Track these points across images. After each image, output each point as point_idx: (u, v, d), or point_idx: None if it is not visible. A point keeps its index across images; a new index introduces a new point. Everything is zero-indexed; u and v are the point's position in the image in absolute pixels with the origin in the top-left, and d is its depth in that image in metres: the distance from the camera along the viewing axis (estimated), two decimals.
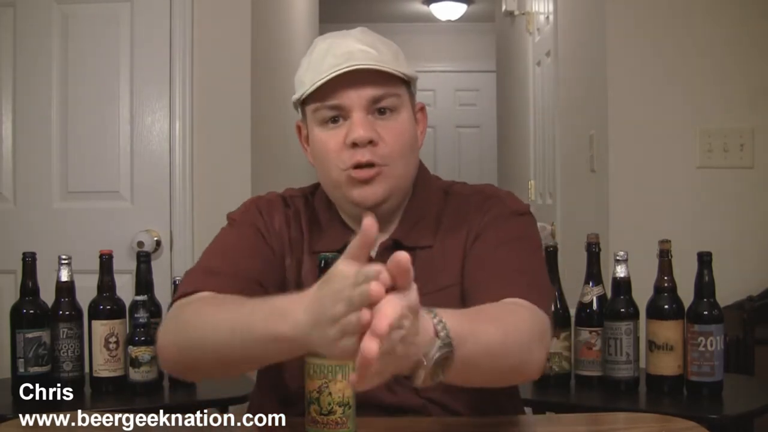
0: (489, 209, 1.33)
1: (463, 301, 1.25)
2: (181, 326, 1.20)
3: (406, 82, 1.31)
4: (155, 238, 2.66)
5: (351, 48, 1.26)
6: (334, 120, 1.28)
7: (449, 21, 6.89)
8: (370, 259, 1.24)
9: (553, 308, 1.83)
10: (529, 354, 1.11)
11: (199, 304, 1.20)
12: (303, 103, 1.32)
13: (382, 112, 1.27)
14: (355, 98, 1.25)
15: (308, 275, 1.32)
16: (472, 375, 1.05)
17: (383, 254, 1.31)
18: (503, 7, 4.74)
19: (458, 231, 1.33)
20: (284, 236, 1.35)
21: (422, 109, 1.37)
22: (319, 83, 1.25)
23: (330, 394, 1.08)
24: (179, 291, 1.28)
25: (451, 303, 1.10)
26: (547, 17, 3.88)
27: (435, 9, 6.76)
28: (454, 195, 1.38)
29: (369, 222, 0.88)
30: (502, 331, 1.07)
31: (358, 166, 1.26)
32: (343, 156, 1.27)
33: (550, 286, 1.35)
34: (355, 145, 1.25)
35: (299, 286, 1.32)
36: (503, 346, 1.07)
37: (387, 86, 1.27)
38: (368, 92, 1.26)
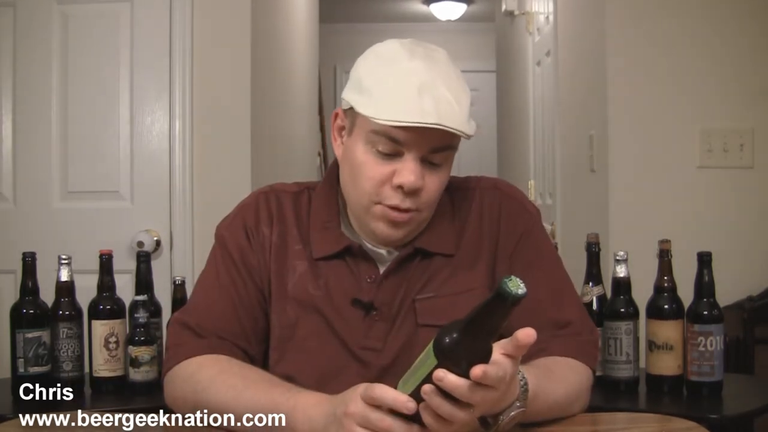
0: (515, 221, 1.36)
1: None
2: (199, 390, 1.23)
3: None
4: (155, 238, 2.66)
5: (439, 95, 1.20)
6: (388, 153, 1.24)
7: (449, 21, 6.90)
8: (392, 265, 1.31)
9: None
10: (575, 407, 1.26)
11: (213, 373, 1.24)
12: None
13: (433, 163, 1.25)
14: (416, 146, 1.22)
15: (301, 281, 1.32)
16: (529, 419, 1.15)
17: (405, 263, 1.32)
18: (503, 7, 4.74)
19: (482, 236, 1.35)
20: (269, 242, 1.35)
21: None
22: (400, 124, 1.19)
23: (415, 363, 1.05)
24: (177, 350, 1.31)
25: (472, 304, 1.20)
26: (547, 17, 3.88)
27: (435, 9, 6.76)
28: (457, 189, 1.38)
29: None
30: (564, 390, 1.22)
31: (396, 208, 1.25)
32: (383, 191, 1.25)
33: (593, 329, 1.37)
34: (400, 188, 1.23)
35: (283, 291, 1.33)
36: (562, 403, 1.22)
37: (450, 143, 1.25)
38: (432, 143, 1.22)
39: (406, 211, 1.25)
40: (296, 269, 1.33)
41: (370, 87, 1.23)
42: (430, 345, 0.98)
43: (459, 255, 1.33)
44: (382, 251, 1.33)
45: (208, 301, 1.35)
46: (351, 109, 1.27)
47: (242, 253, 1.35)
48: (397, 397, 1.00)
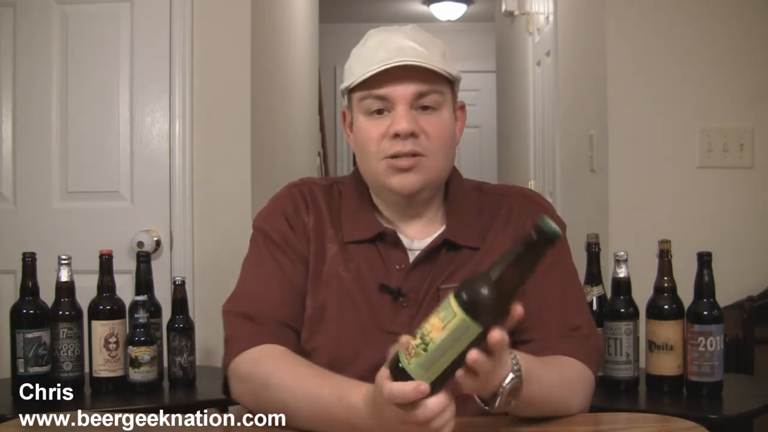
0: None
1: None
2: (258, 389, 1.25)
3: (451, 82, 1.36)
4: (155, 238, 2.66)
5: (402, 44, 1.31)
6: (379, 111, 1.33)
7: (449, 21, 6.90)
8: (421, 255, 1.34)
9: None
10: (573, 403, 1.27)
11: (272, 366, 1.27)
12: (350, 91, 1.36)
13: (425, 108, 1.32)
14: (401, 92, 1.31)
15: (332, 263, 1.36)
16: (528, 410, 1.18)
17: (433, 254, 1.36)
18: (503, 7, 4.74)
19: (505, 232, 1.38)
20: (308, 228, 1.39)
21: (462, 107, 1.42)
22: (369, 74, 1.30)
23: (425, 322, 1.00)
24: (234, 342, 1.33)
25: None
26: (547, 17, 3.88)
27: (435, 9, 6.76)
28: (489, 194, 1.44)
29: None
30: (558, 377, 1.23)
31: (398, 155, 1.31)
32: (384, 145, 1.32)
33: (598, 337, 1.40)
34: (397, 136, 1.31)
35: (319, 273, 1.37)
36: (558, 393, 1.23)
37: (432, 84, 1.32)
38: (414, 88, 1.31)
39: (409, 155, 1.31)
40: (329, 252, 1.38)
41: (350, 66, 1.36)
42: (463, 317, 0.96)
43: (485, 249, 1.37)
44: (413, 240, 1.38)
45: (257, 287, 1.38)
46: (346, 98, 1.39)
47: (285, 238, 1.39)
48: (410, 390, 1.00)
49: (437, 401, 1.01)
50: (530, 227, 0.96)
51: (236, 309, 1.36)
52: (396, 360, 1.02)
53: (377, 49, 1.32)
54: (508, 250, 0.98)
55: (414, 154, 1.31)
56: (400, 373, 1.01)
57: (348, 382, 1.17)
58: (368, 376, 1.12)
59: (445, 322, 0.97)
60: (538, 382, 1.15)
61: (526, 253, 0.96)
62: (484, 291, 0.97)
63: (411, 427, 1.02)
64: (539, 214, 1.36)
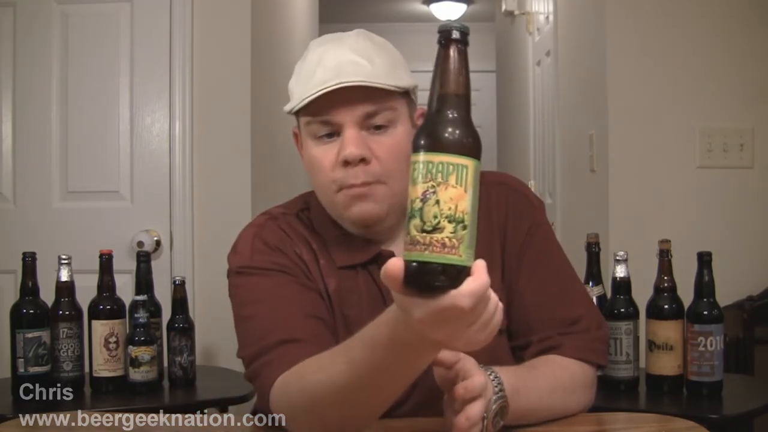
0: (521, 215, 1.33)
1: (509, 311, 1.28)
2: (295, 399, 1.11)
3: (405, 92, 1.25)
4: (155, 238, 2.66)
5: (342, 59, 1.20)
6: (329, 135, 1.22)
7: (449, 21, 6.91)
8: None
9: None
10: (570, 405, 1.23)
11: (298, 371, 1.12)
12: (296, 113, 1.27)
13: (376, 127, 1.22)
14: (347, 115, 1.20)
15: (335, 294, 1.26)
16: (521, 421, 1.15)
17: None
18: (503, 7, 4.74)
19: (492, 236, 1.30)
20: (303, 258, 1.28)
21: (422, 114, 1.29)
22: (307, 101, 1.20)
23: (438, 203, 0.80)
24: (267, 374, 1.16)
25: None
26: (547, 17, 3.88)
27: (435, 9, 6.77)
28: None
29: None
30: (549, 386, 1.19)
31: (352, 186, 1.21)
32: (336, 174, 1.22)
33: (601, 325, 1.32)
34: (347, 163, 1.20)
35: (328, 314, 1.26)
36: (550, 399, 1.19)
37: (380, 101, 1.21)
38: (360, 109, 1.20)
39: (363, 185, 1.21)
40: (329, 287, 1.27)
41: (291, 86, 1.27)
42: (474, 163, 0.82)
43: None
44: None
45: (277, 312, 1.21)
46: (294, 115, 1.28)
47: (281, 265, 1.26)
48: (484, 277, 0.83)
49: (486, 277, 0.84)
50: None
51: (273, 340, 1.18)
52: (431, 273, 0.80)
53: (316, 68, 1.21)
54: (433, 80, 0.85)
55: (366, 184, 1.21)
56: (447, 277, 0.81)
57: (367, 330, 1.00)
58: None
59: (462, 183, 0.81)
60: (526, 395, 1.12)
61: (452, 65, 0.84)
62: (463, 124, 0.83)
63: (479, 325, 0.87)
64: (517, 201, 1.33)
